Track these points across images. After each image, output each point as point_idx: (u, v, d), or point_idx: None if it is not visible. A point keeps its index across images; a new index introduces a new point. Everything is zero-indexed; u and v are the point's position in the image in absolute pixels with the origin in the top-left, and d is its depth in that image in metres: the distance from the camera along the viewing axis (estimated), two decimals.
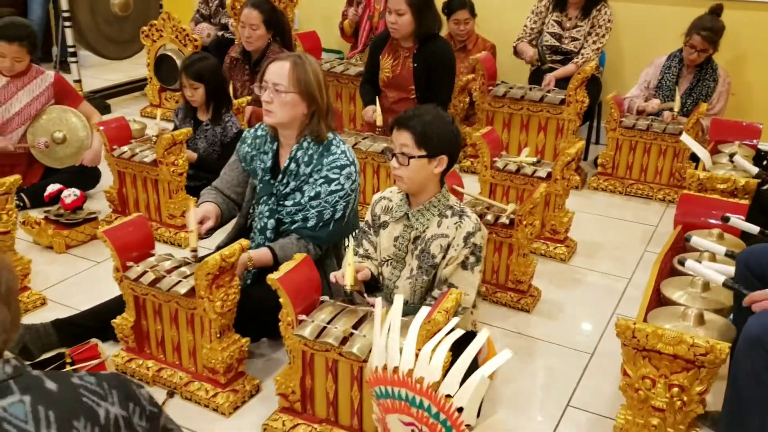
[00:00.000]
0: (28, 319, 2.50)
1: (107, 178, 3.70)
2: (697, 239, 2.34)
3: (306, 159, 2.36)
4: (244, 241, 2.16)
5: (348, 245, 2.20)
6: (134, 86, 5.68)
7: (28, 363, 2.01)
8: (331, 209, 2.34)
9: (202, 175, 3.39)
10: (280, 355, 2.48)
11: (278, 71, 2.29)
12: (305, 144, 2.36)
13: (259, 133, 2.52)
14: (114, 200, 3.37)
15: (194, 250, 2.27)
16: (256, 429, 2.11)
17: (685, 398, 1.80)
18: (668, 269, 2.36)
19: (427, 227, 2.09)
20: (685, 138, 3.27)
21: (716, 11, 4.02)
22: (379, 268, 2.21)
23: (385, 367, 1.34)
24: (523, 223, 2.65)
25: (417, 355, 1.29)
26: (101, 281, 2.83)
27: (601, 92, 4.47)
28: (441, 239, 2.07)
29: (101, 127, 3.31)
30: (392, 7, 3.59)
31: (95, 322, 2.41)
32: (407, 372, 1.29)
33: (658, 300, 2.18)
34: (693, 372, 1.77)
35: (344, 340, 1.91)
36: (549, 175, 3.06)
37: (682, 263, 2.12)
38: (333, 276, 2.09)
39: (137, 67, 6.03)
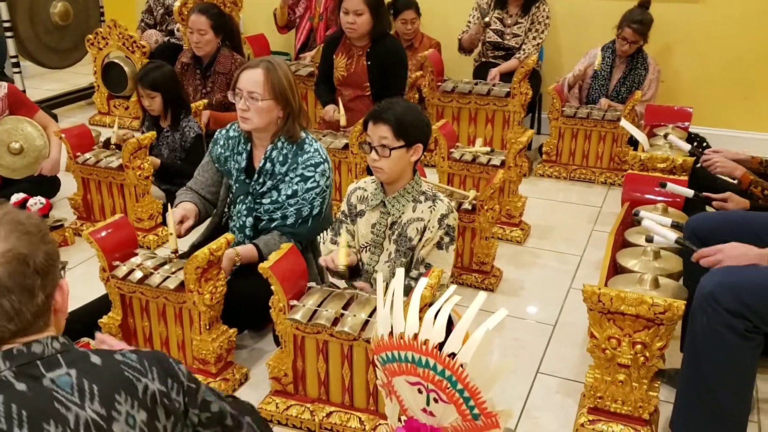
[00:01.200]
0: None
1: (66, 186, 3.72)
2: (645, 213, 2.55)
3: (281, 158, 2.46)
4: (229, 236, 2.26)
5: (335, 243, 2.32)
6: (79, 95, 5.64)
7: None
8: (309, 206, 2.45)
9: (176, 180, 3.45)
10: (263, 344, 2.58)
11: (252, 79, 2.38)
12: (279, 144, 2.46)
13: (232, 134, 2.61)
14: (79, 207, 3.40)
15: (175, 251, 2.36)
16: None
17: (648, 354, 1.99)
18: (621, 242, 2.56)
19: (403, 212, 2.24)
20: (624, 123, 3.51)
21: (645, 5, 4.29)
22: (358, 255, 2.34)
23: (390, 334, 1.47)
24: (485, 208, 2.82)
25: (420, 320, 1.43)
26: (79, 284, 2.85)
27: (541, 85, 4.71)
28: (417, 223, 2.22)
29: (63, 135, 3.33)
30: (350, 8, 3.70)
31: (81, 324, 2.46)
32: (413, 336, 1.43)
33: (615, 269, 2.38)
34: (653, 329, 1.96)
35: (335, 321, 2.04)
36: (502, 163, 3.25)
37: (639, 222, 2.31)
38: (323, 260, 2.21)
39: (77, 75, 5.98)
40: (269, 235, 2.47)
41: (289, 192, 2.45)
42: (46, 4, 5.31)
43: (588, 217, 3.69)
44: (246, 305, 2.41)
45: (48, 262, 1.18)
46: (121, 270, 2.28)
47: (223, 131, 2.65)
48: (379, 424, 2.10)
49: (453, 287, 1.50)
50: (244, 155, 2.54)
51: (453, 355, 1.38)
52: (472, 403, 1.38)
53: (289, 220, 2.45)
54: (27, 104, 3.75)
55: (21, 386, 1.11)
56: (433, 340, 1.41)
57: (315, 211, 2.46)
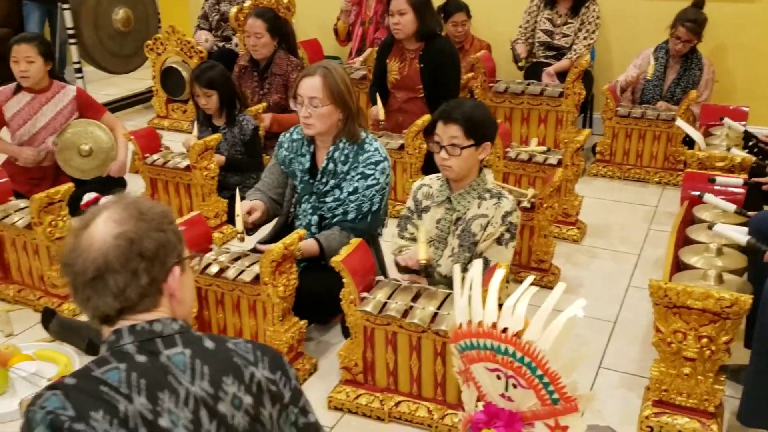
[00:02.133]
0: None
1: (131, 186, 3.86)
2: (709, 196, 2.57)
3: (342, 158, 2.56)
4: (301, 231, 2.36)
5: (403, 238, 2.40)
6: (137, 99, 5.82)
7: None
8: (369, 202, 2.53)
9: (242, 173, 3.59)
10: (329, 337, 2.67)
11: (311, 86, 2.48)
12: (341, 145, 2.55)
13: (295, 136, 2.71)
14: None
15: (241, 233, 2.47)
16: (321, 402, 2.29)
17: (714, 347, 2.02)
18: (682, 239, 2.59)
19: (468, 209, 2.30)
20: (680, 123, 3.52)
21: (698, 4, 4.29)
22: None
23: (469, 323, 1.53)
24: (544, 205, 2.87)
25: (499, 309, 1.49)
26: None
27: (593, 85, 4.72)
28: (481, 219, 2.28)
29: (132, 137, 3.47)
30: (394, 9, 3.80)
31: None
32: (491, 324, 1.49)
33: (677, 266, 2.41)
34: (719, 323, 1.99)
35: (405, 313, 2.11)
36: (559, 162, 3.28)
37: (711, 228, 2.34)
38: (402, 259, 2.29)
39: (134, 80, 6.17)
40: (330, 230, 2.56)
41: (351, 189, 2.53)
42: (109, 11, 5.51)
43: (644, 217, 3.71)
44: (314, 299, 2.50)
45: (157, 249, 1.27)
46: (198, 264, 2.39)
47: (287, 134, 2.75)
48: (447, 414, 2.16)
49: (531, 277, 1.56)
50: (308, 157, 2.63)
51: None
52: (551, 387, 1.43)
53: (350, 216, 2.54)
54: (95, 107, 3.89)
55: (141, 358, 1.20)
56: (513, 328, 1.46)
57: (374, 207, 2.54)
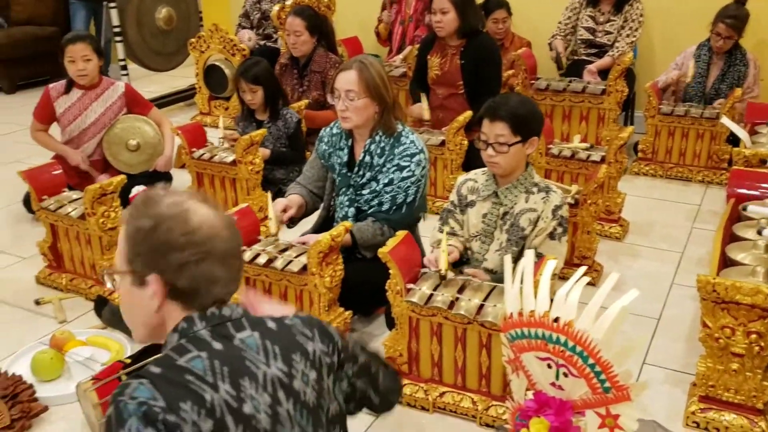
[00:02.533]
0: None
1: (177, 181, 3.94)
2: (753, 207, 2.55)
3: (379, 151, 2.59)
4: (347, 224, 2.40)
5: (443, 232, 2.42)
6: (179, 96, 5.93)
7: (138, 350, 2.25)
8: (404, 194, 2.56)
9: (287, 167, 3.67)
10: (372, 329, 2.70)
11: (347, 79, 2.52)
12: (377, 137, 2.59)
13: (335, 131, 2.76)
14: None
15: (274, 234, 2.51)
16: None
17: (762, 343, 2.01)
18: (728, 237, 2.57)
19: (516, 203, 2.32)
20: (726, 121, 3.49)
21: (741, 0, 4.24)
22: (467, 244, 2.43)
23: (520, 312, 1.55)
24: (588, 202, 2.87)
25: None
26: None
27: (635, 83, 4.69)
28: (529, 213, 2.29)
29: (180, 132, 3.55)
30: (436, 7, 3.83)
31: None
32: (543, 314, 1.51)
33: (724, 263, 2.39)
34: None
35: (451, 305, 2.14)
36: (602, 159, 3.28)
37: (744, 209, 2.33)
38: (426, 260, 2.31)
39: (174, 78, 6.28)
40: (364, 221, 2.59)
41: (386, 181, 2.57)
42: (152, 9, 5.62)
43: (687, 215, 3.68)
44: (359, 290, 2.53)
45: None
46: (247, 255, 2.44)
47: (327, 129, 2.79)
48: (492, 405, 2.18)
49: (583, 268, 1.57)
50: (346, 150, 2.67)
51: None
52: (603, 376, 1.45)
53: (384, 207, 2.57)
54: (142, 103, 3.98)
55: (218, 345, 1.22)
56: (564, 318, 1.48)
57: (409, 199, 2.57)
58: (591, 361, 1.45)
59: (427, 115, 3.73)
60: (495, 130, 2.23)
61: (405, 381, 2.29)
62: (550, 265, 1.61)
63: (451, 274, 2.24)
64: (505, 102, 2.25)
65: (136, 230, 1.25)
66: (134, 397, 1.12)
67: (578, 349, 1.47)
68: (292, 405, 1.24)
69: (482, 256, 2.39)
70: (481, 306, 2.12)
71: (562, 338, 1.48)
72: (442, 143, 3.58)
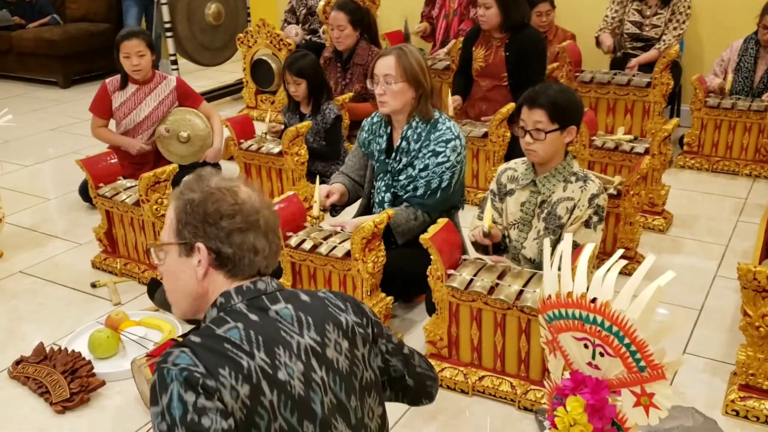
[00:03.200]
0: None
1: (226, 171, 4.06)
2: None
3: (415, 137, 2.64)
4: (390, 211, 2.46)
5: (482, 219, 2.48)
6: (227, 91, 6.07)
7: (190, 329, 2.35)
8: (438, 179, 2.61)
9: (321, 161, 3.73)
10: (412, 315, 2.76)
11: (386, 64, 2.58)
12: (414, 124, 2.65)
13: (375, 120, 2.82)
14: None
15: (316, 217, 2.59)
16: None
17: None
18: None
19: (554, 192, 2.35)
20: None
21: None
22: (506, 232, 2.47)
23: (557, 294, 1.59)
24: (630, 193, 2.87)
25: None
26: None
27: (681, 76, 4.65)
28: (567, 202, 2.32)
29: (229, 124, 3.65)
30: (481, 1, 3.87)
31: None
32: (581, 295, 1.55)
33: (767, 253, 2.39)
34: None
35: (491, 290, 2.18)
36: (646, 151, 3.27)
37: None
38: (471, 235, 2.36)
39: (222, 73, 6.43)
40: (399, 207, 2.64)
41: (422, 166, 2.62)
42: (202, 5, 5.76)
43: (732, 209, 3.64)
44: (399, 276, 2.59)
45: None
46: (294, 240, 2.52)
47: (369, 119, 2.87)
48: (530, 389, 2.22)
49: (620, 251, 1.60)
50: (385, 137, 2.74)
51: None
52: (638, 356, 1.48)
53: (419, 192, 2.62)
54: (193, 96, 4.09)
55: (254, 317, 1.30)
56: (601, 299, 1.52)
57: (444, 185, 2.61)
58: (627, 340, 1.49)
59: (451, 111, 3.77)
60: (533, 117, 2.27)
61: (445, 365, 2.35)
62: (588, 248, 1.65)
63: (494, 231, 2.33)
64: (544, 90, 2.28)
65: (186, 202, 1.35)
66: (176, 363, 1.20)
67: (614, 329, 1.50)
68: (324, 372, 1.31)
69: (520, 244, 2.43)
70: (521, 292, 2.16)
71: (599, 318, 1.52)
72: (485, 135, 3.62)
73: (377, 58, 2.65)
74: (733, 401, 2.16)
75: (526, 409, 2.22)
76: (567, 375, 1.64)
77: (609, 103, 4.21)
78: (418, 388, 1.55)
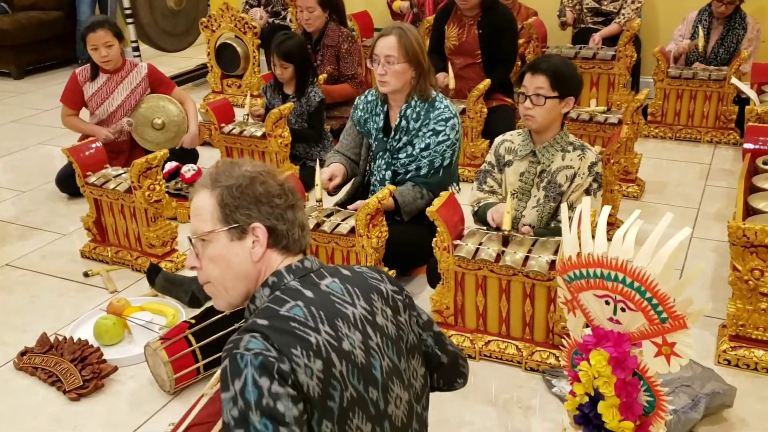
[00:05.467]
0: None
1: (204, 157, 4.05)
2: None
3: (414, 116, 2.71)
4: (391, 187, 2.53)
5: (481, 190, 2.56)
6: (189, 77, 6.00)
7: (199, 311, 2.38)
8: (440, 158, 2.68)
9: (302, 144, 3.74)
10: (412, 287, 2.83)
11: (387, 44, 2.63)
12: (413, 102, 2.71)
13: (370, 98, 2.87)
14: None
15: (319, 201, 2.64)
16: None
17: None
18: (749, 188, 2.72)
19: (552, 161, 2.45)
20: (735, 81, 3.64)
21: None
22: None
23: (578, 255, 1.69)
24: (611, 161, 3.00)
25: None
26: None
27: (641, 48, 4.81)
28: (566, 170, 2.42)
29: (209, 108, 3.65)
30: None
31: None
32: (601, 254, 1.65)
33: (747, 212, 2.54)
34: None
35: (497, 258, 2.28)
36: (619, 121, 3.41)
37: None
38: (491, 217, 2.44)
39: (183, 59, 6.34)
40: (404, 185, 2.71)
41: (423, 145, 2.69)
42: None
43: (699, 174, 3.82)
44: (400, 250, 2.66)
45: None
46: None
47: (362, 97, 2.91)
48: (536, 351, 2.33)
49: (637, 211, 1.71)
50: (382, 116, 2.79)
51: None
52: (660, 308, 1.59)
53: (423, 171, 2.69)
54: (165, 82, 4.06)
55: (309, 293, 1.35)
56: (622, 257, 1.62)
57: (446, 163, 2.69)
58: (648, 295, 1.59)
59: (452, 83, 3.83)
60: (535, 83, 2.36)
61: (451, 332, 2.43)
62: (606, 211, 1.74)
63: (512, 234, 2.37)
64: (547, 59, 2.37)
65: (232, 188, 1.38)
66: (249, 348, 1.22)
67: (636, 284, 1.60)
68: (379, 338, 1.37)
69: (520, 213, 2.53)
70: (526, 258, 2.25)
71: (620, 276, 1.62)
72: (463, 111, 3.70)
73: (378, 38, 2.68)
74: (724, 351, 2.31)
75: (532, 369, 2.32)
76: (587, 331, 1.75)
77: None
78: (451, 366, 1.60)
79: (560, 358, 2.25)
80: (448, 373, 1.60)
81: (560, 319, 2.24)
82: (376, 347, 1.36)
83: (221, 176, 1.41)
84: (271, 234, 1.38)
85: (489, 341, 2.39)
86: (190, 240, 1.42)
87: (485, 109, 3.69)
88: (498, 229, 2.42)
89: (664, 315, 1.59)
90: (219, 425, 1.55)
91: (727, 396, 2.05)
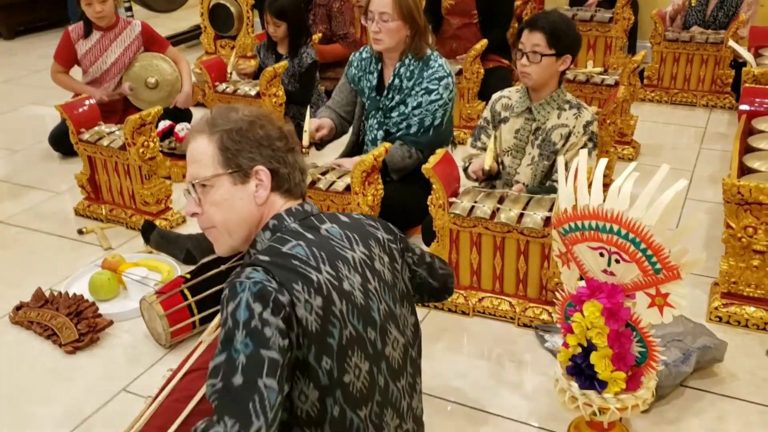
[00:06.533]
0: None
1: (197, 115, 4.01)
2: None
3: (408, 74, 2.69)
4: (387, 144, 2.51)
5: (475, 147, 2.55)
6: (183, 38, 5.93)
7: (194, 267, 2.38)
8: (431, 116, 2.67)
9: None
10: None
11: (383, 2, 2.59)
12: (407, 61, 2.69)
13: (364, 55, 2.85)
14: None
15: (307, 148, 2.63)
16: None
17: None
18: (744, 149, 2.72)
19: (548, 119, 2.44)
20: (733, 44, 3.61)
21: None
22: (499, 159, 2.56)
23: (574, 207, 1.69)
24: (607, 122, 2.99)
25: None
26: None
27: (639, 11, 4.78)
28: (561, 129, 2.42)
29: (203, 67, 3.61)
30: None
31: None
32: (597, 206, 1.65)
33: (742, 171, 2.54)
34: None
35: (492, 215, 2.28)
36: (616, 83, 3.39)
37: None
38: (471, 170, 2.44)
39: (175, 21, 6.27)
40: (393, 145, 2.70)
41: (415, 104, 2.67)
42: None
43: (694, 137, 3.82)
44: (394, 210, 2.66)
45: None
46: None
47: (357, 54, 2.88)
48: (529, 307, 2.34)
49: (634, 164, 1.71)
50: (375, 74, 2.77)
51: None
52: (654, 259, 1.60)
53: (412, 130, 2.68)
54: (159, 41, 4.01)
55: (310, 235, 1.36)
56: (618, 209, 1.62)
57: (436, 122, 2.68)
58: (643, 246, 1.60)
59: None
60: (532, 40, 2.34)
61: None
62: (603, 163, 1.75)
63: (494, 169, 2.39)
64: (546, 15, 2.36)
65: (231, 132, 1.37)
66: (250, 277, 1.24)
67: (631, 236, 1.61)
68: (377, 283, 1.39)
69: (514, 170, 2.52)
70: (521, 215, 2.26)
71: (615, 227, 1.63)
72: (459, 72, 3.68)
73: None
74: (716, 308, 2.33)
75: (525, 325, 2.34)
76: (581, 284, 1.76)
77: None
78: (441, 287, 1.68)
79: (553, 315, 2.26)
80: (438, 293, 1.69)
81: (554, 276, 2.25)
82: (374, 291, 1.38)
83: (218, 120, 1.40)
84: (273, 177, 1.38)
85: (483, 298, 2.41)
86: (192, 186, 1.39)
87: (482, 70, 3.67)
88: (492, 183, 2.43)
89: (659, 266, 1.61)
90: None
91: (717, 351, 2.07)
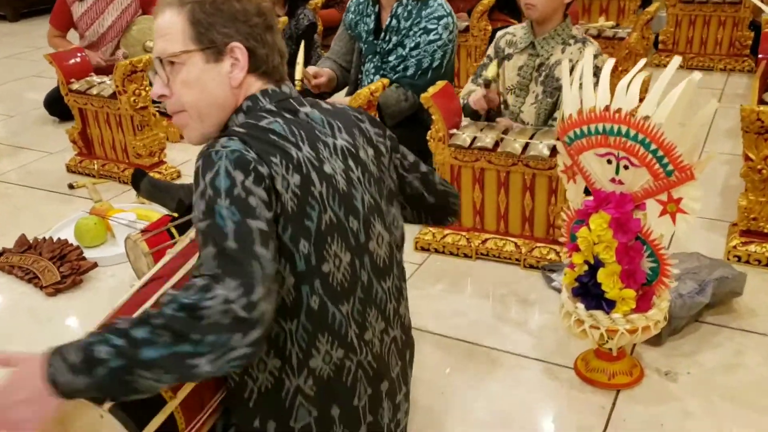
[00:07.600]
0: None
1: None
2: None
3: (405, 14, 2.58)
4: (384, 80, 2.39)
5: (476, 83, 2.43)
6: None
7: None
8: (430, 58, 2.55)
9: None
10: None
11: None
12: (405, 1, 2.57)
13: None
14: None
15: (300, 80, 2.53)
16: (408, 243, 2.33)
17: None
18: (763, 88, 2.57)
19: (552, 54, 2.31)
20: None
21: None
22: (502, 97, 2.43)
23: (579, 111, 1.56)
24: (619, 69, 2.85)
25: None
26: None
27: None
28: (565, 63, 2.28)
29: None
30: None
31: None
32: (604, 107, 1.52)
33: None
34: None
35: (495, 145, 2.15)
36: (629, 36, 3.25)
37: None
38: (472, 101, 2.32)
39: None
40: (389, 87, 2.57)
41: (412, 45, 2.56)
42: None
43: (711, 97, 3.66)
44: None
45: None
46: None
47: None
48: (535, 247, 2.21)
49: (643, 60, 1.58)
50: (373, 17, 2.67)
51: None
52: (666, 160, 1.47)
53: (409, 71, 2.56)
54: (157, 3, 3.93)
55: (288, 115, 1.24)
56: (626, 108, 1.49)
57: (435, 64, 2.55)
58: (653, 146, 1.47)
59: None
60: None
61: (447, 231, 2.32)
62: (610, 63, 1.62)
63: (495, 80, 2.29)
64: None
65: (204, 3, 1.22)
66: (226, 146, 1.13)
67: (640, 137, 1.48)
68: (360, 173, 1.27)
69: (518, 109, 2.39)
70: (526, 145, 2.13)
71: (624, 129, 1.50)
72: (466, 29, 3.56)
73: None
74: (735, 247, 2.18)
75: (531, 266, 2.21)
76: (588, 199, 1.63)
77: (584, 4, 4.18)
78: (441, 205, 1.53)
79: (560, 254, 2.13)
80: (437, 211, 1.53)
81: (561, 211, 2.11)
82: (357, 180, 1.26)
83: None
84: (250, 57, 1.24)
85: (486, 239, 2.28)
86: (160, 62, 1.24)
87: (489, 27, 3.54)
88: (487, 120, 2.31)
89: (670, 167, 1.47)
90: (182, 271, 1.45)
91: (736, 282, 1.93)
